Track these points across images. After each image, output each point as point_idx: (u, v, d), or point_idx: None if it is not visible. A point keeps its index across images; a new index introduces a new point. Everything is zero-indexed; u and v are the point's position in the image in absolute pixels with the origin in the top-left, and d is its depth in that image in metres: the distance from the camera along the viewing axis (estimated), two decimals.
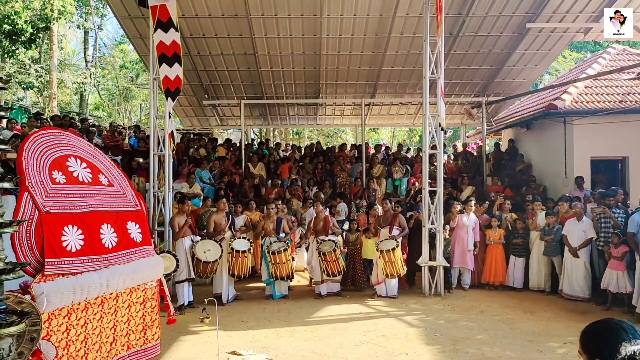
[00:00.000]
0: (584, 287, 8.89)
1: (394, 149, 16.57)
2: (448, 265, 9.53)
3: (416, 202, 11.17)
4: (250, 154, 14.32)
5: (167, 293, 5.76)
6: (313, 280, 9.67)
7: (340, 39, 13.15)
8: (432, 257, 9.37)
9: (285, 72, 14.67)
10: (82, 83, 24.81)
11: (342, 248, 9.70)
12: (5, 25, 12.37)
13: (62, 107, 25.00)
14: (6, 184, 3.63)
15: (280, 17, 12.20)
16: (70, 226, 4.84)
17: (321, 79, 15.03)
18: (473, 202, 10.22)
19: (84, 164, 5.42)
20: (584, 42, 25.93)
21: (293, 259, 9.59)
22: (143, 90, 28.39)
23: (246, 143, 15.28)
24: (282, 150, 16.82)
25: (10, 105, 15.23)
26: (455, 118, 17.34)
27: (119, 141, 13.51)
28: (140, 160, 12.33)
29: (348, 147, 16.43)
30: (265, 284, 9.30)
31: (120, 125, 16.03)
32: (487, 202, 11.03)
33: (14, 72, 19.61)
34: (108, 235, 5.28)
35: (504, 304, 8.73)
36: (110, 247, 5.24)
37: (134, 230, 5.63)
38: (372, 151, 15.75)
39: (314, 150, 15.60)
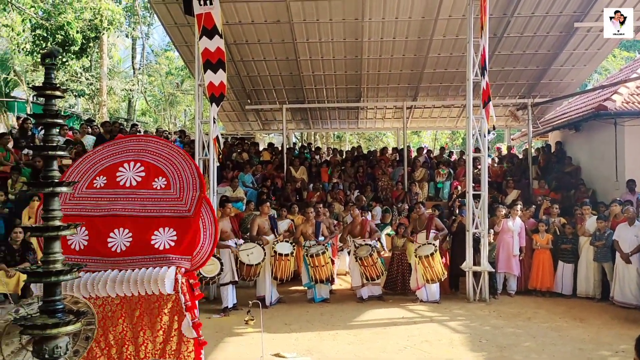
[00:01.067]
0: (637, 294, 8.55)
1: (436, 152, 16.38)
2: (493, 270, 9.35)
3: (458, 206, 11.02)
4: (292, 158, 14.44)
5: (186, 313, 5.42)
6: (353, 285, 9.68)
7: (381, 42, 13.12)
8: (476, 262, 9.21)
9: (326, 77, 14.74)
10: (130, 90, 25.63)
11: (380, 252, 9.67)
12: (58, 36, 12.90)
13: (111, 114, 25.88)
14: (64, 189, 3.82)
15: (322, 22, 12.27)
16: (78, 227, 5.00)
17: (362, 82, 15.02)
18: (519, 206, 9.99)
19: (142, 168, 5.39)
20: (634, 41, 24.94)
21: (333, 262, 9.61)
22: (187, 96, 29.07)
23: (288, 147, 15.41)
24: (323, 154, 16.89)
25: (63, 113, 15.88)
26: (499, 120, 16.98)
27: None
28: None
29: (389, 151, 16.34)
30: (306, 288, 9.36)
31: (166, 131, 16.45)
32: (533, 206, 10.78)
33: (66, 80, 20.44)
34: (119, 238, 5.23)
35: (552, 310, 8.50)
36: (118, 250, 5.19)
37: (162, 237, 5.32)
38: (414, 154, 15.61)
39: (355, 154, 15.61)
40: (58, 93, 3.84)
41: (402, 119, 15.13)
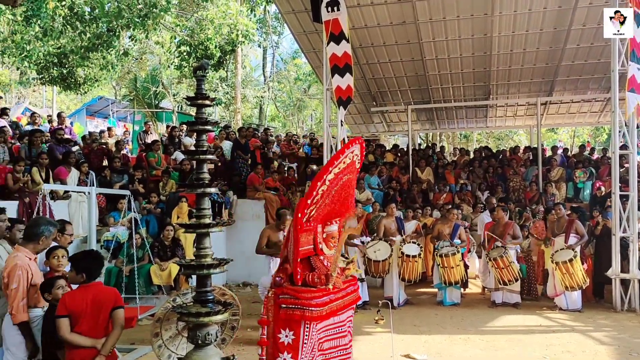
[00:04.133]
0: None
1: (575, 150, 15.25)
2: None
3: (603, 208, 10.16)
4: (418, 159, 14.31)
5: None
6: (486, 288, 9.36)
7: (513, 37, 12.53)
8: (624, 269, 8.43)
9: (453, 75, 14.41)
10: (262, 97, 27.11)
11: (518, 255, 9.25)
12: (200, 51, 14.08)
13: (244, 120, 27.57)
14: (212, 189, 4.19)
15: (449, 20, 12.03)
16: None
17: (491, 79, 14.46)
18: None
19: None
20: None
21: (467, 266, 9.35)
22: (314, 100, 30.05)
23: (413, 148, 15.29)
24: (450, 154, 16.51)
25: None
26: None
27: (295, 149, 14.49)
28: (314, 167, 13.07)
29: (521, 150, 15.54)
30: (437, 289, 9.23)
31: (295, 135, 17.16)
32: None
33: (206, 90, 22.18)
34: None
35: None
36: None
37: None
38: (548, 153, 14.67)
39: (484, 154, 15.06)
40: (208, 102, 4.24)
41: (536, 116, 14.26)
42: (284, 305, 4.37)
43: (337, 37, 9.64)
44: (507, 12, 11.61)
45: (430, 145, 18.87)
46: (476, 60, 13.63)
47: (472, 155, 15.45)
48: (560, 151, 14.67)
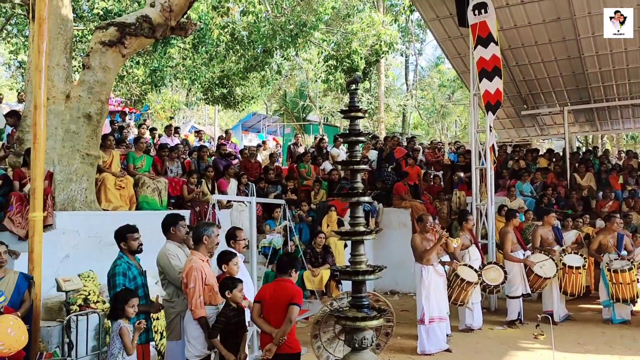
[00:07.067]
0: None
1: None
2: None
3: None
4: (577, 164, 13.26)
5: None
6: None
7: None
8: None
9: (617, 72, 13.15)
10: (405, 105, 27.09)
11: None
12: (345, 64, 14.56)
13: (388, 129, 27.76)
14: (367, 198, 4.34)
15: None
16: None
17: None
18: None
19: None
20: None
21: (639, 280, 8.44)
22: (458, 106, 29.29)
23: (571, 152, 14.20)
24: (614, 157, 15.04)
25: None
26: None
27: (439, 157, 14.26)
28: (461, 174, 12.75)
29: None
30: (602, 306, 8.44)
31: (439, 142, 16.88)
32: None
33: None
34: None
35: None
36: None
37: None
38: None
39: None
40: (360, 114, 4.43)
41: None
42: None
43: (484, 40, 9.38)
44: None
45: (591, 148, 17.36)
46: None
47: None
48: None
